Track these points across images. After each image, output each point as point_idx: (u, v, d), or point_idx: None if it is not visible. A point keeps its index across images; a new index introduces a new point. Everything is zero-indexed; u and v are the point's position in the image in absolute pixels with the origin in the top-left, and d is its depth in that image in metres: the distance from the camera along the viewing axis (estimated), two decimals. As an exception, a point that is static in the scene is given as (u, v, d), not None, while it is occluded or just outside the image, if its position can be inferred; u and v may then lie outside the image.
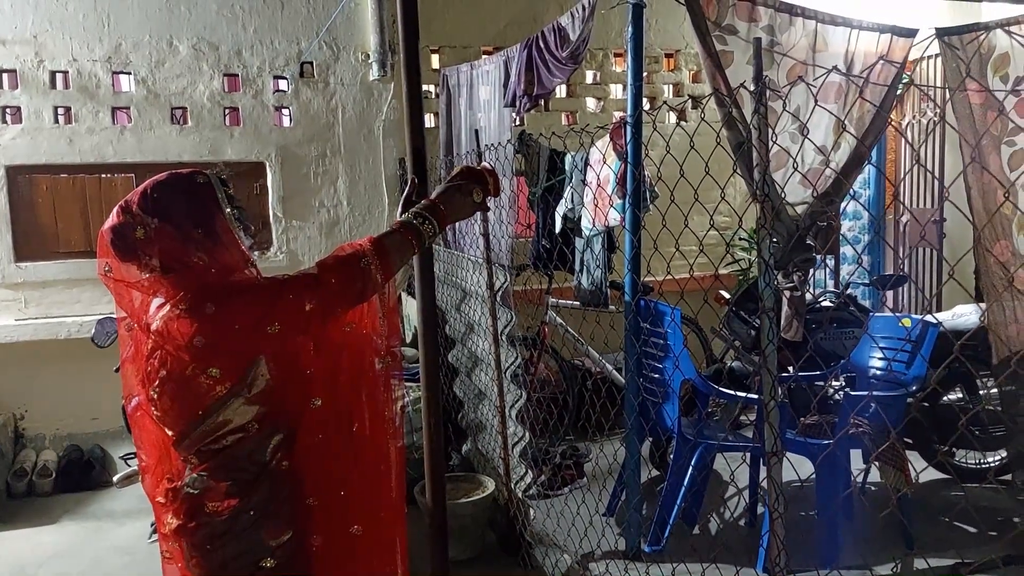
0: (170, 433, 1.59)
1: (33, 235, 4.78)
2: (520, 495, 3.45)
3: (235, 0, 4.92)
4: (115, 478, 4.12)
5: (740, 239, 5.46)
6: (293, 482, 1.63)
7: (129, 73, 4.85)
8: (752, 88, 2.02)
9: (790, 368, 3.79)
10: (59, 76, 4.76)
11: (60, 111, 4.76)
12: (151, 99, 4.84)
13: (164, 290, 1.55)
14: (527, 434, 3.43)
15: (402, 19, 2.30)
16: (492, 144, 3.91)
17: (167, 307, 1.53)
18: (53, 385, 4.72)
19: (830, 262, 5.60)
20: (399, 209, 1.80)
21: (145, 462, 1.76)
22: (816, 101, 2.05)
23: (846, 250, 5.67)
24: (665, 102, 5.75)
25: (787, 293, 3.28)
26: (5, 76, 4.68)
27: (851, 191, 3.51)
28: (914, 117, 5.69)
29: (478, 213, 1.81)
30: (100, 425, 4.79)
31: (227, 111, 4.99)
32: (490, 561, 3.43)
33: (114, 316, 3.77)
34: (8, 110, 4.68)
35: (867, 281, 4.69)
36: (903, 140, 5.81)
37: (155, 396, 1.56)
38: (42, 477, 4.46)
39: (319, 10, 5.03)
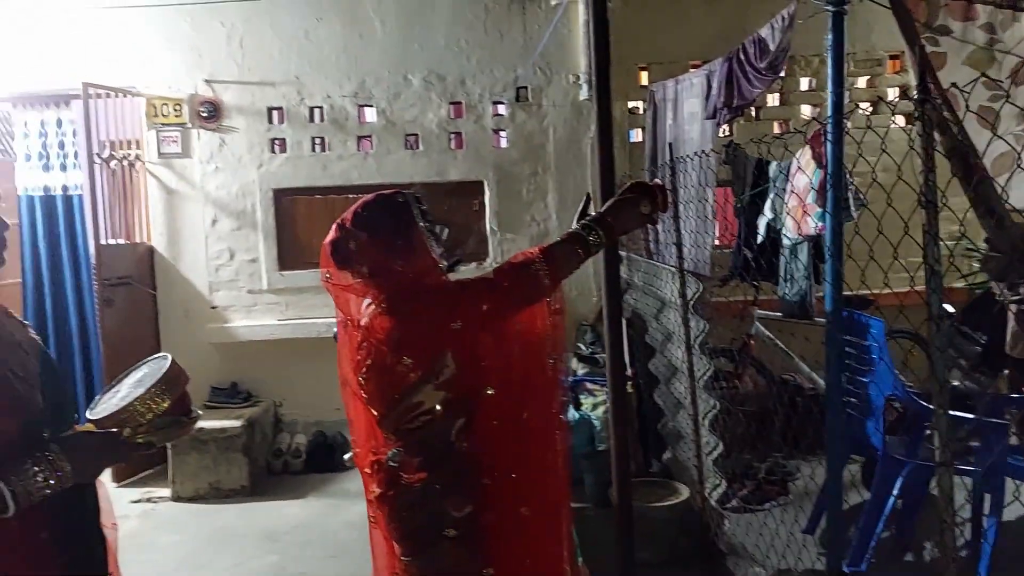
0: (375, 413, 1.87)
1: (292, 248, 5.53)
2: (713, 503, 3.46)
3: (461, 35, 5.39)
4: (345, 457, 4.69)
5: (968, 249, 4.95)
6: (472, 462, 1.83)
7: (372, 106, 5.48)
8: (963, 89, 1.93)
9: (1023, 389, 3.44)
10: (316, 111, 5.50)
11: (317, 141, 5.50)
12: (389, 128, 5.44)
13: (371, 292, 1.84)
14: (720, 444, 3.43)
15: (595, 46, 2.47)
16: (687, 155, 3.94)
17: (372, 306, 1.81)
18: (305, 377, 5.34)
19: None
20: (574, 220, 1.97)
21: (356, 439, 2.08)
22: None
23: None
24: (857, 105, 5.37)
25: (1013, 307, 3.00)
26: (275, 113, 5.49)
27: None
28: None
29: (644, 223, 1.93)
30: (342, 414, 5.36)
31: (452, 136, 5.48)
32: (682, 566, 3.45)
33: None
34: (276, 141, 5.49)
35: None
36: None
37: (363, 381, 1.85)
38: (294, 458, 5.15)
39: (535, 39, 5.35)
